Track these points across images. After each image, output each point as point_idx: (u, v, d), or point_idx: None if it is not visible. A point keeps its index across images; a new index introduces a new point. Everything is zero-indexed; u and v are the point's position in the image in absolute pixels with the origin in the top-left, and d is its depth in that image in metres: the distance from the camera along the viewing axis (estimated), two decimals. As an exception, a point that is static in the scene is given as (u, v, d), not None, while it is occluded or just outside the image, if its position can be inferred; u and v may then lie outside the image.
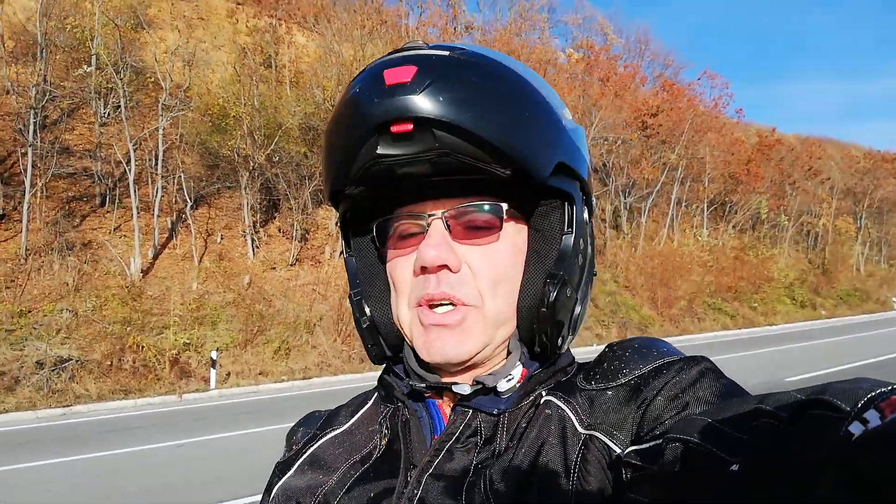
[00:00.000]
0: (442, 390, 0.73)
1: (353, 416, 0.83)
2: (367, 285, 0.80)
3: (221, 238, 18.16)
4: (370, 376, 14.65)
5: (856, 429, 0.35)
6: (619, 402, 0.65)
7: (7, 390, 11.16)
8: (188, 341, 13.81)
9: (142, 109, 18.64)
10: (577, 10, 47.88)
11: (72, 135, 17.97)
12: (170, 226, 17.26)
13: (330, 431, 0.82)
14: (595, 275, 0.79)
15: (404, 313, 0.73)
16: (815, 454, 0.37)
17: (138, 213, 15.69)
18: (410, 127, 0.61)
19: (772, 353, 16.29)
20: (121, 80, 16.86)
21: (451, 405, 0.73)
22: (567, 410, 0.68)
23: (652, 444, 0.56)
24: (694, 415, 0.55)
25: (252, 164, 18.27)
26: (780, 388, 0.47)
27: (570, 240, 0.70)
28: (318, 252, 19.69)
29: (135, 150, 16.01)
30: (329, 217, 20.84)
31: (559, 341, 0.71)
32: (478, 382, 0.70)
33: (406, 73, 0.61)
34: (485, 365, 0.72)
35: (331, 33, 22.51)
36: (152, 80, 18.45)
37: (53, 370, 11.71)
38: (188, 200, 17.20)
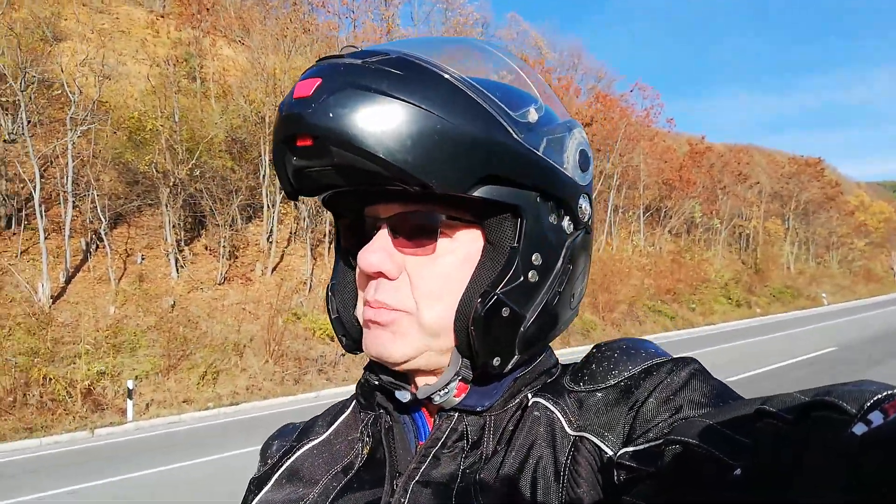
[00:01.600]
0: (417, 404, 0.72)
1: (330, 426, 0.81)
2: (339, 279, 0.77)
3: (143, 258, 17.07)
4: (303, 398, 13.86)
5: (860, 430, 0.35)
6: (609, 404, 0.64)
7: None
8: (103, 370, 12.71)
9: (54, 125, 17.42)
10: (510, 25, 48.52)
11: (-27, 154, 16.63)
12: (84, 247, 16.08)
13: (307, 442, 0.80)
14: (566, 286, 0.72)
15: (360, 311, 0.72)
16: (820, 456, 0.37)
17: (48, 235, 14.55)
18: (310, 142, 0.59)
19: (713, 353, 16.30)
20: (21, 92, 15.68)
21: (436, 410, 0.71)
22: (556, 412, 0.66)
23: (647, 445, 0.56)
24: (692, 417, 0.54)
25: (173, 179, 17.28)
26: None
27: (515, 254, 0.65)
28: (249, 269, 18.79)
29: (45, 168, 14.89)
30: (259, 233, 20.00)
31: (494, 361, 0.66)
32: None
33: (309, 87, 0.59)
34: (436, 372, 0.69)
35: (256, 45, 21.74)
36: (61, 93, 17.29)
37: (-56, 410, 10.52)
38: (102, 220, 16.07)
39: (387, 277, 0.67)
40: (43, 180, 15.28)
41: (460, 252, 0.68)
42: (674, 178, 35.89)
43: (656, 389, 0.61)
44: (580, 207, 0.72)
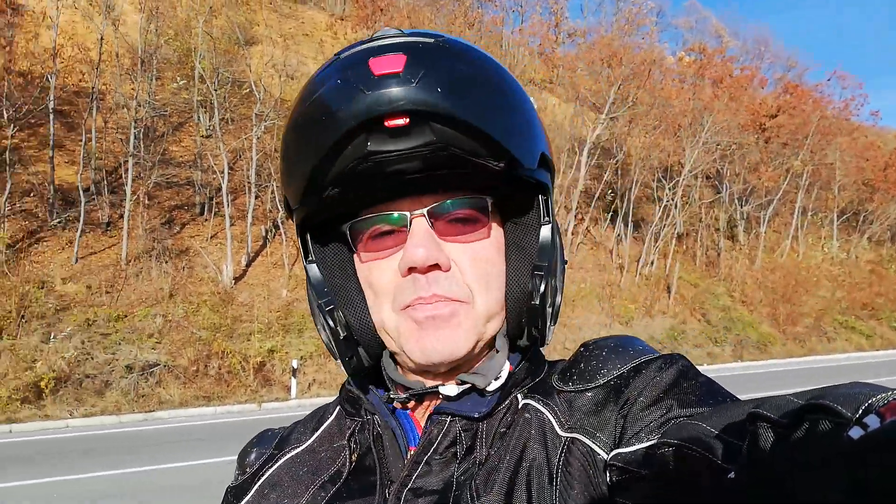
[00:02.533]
0: (422, 396, 0.70)
1: (313, 433, 0.77)
2: (339, 293, 0.73)
3: (314, 246, 18.15)
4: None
5: (856, 434, 0.35)
6: (599, 404, 0.63)
7: (97, 394, 11.33)
8: (272, 348, 13.63)
9: (245, 122, 19.04)
10: (688, 13, 45.83)
11: (178, 147, 18.63)
12: (264, 234, 17.40)
13: (289, 451, 0.77)
14: (566, 262, 0.75)
15: (389, 318, 0.68)
16: (816, 460, 0.37)
17: (234, 222, 15.88)
18: (406, 121, 0.57)
19: (919, 380, 14.09)
20: (215, 91, 17.27)
21: (425, 414, 0.69)
22: (546, 413, 0.66)
23: (639, 447, 0.55)
24: (683, 417, 0.55)
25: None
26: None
27: (547, 230, 0.68)
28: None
29: (235, 161, 16.25)
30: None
31: (547, 333, 0.69)
32: (463, 382, 0.67)
33: (396, 62, 0.56)
34: (468, 364, 0.68)
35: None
36: (249, 92, 18.85)
37: (142, 375, 11.80)
38: (280, 209, 17.26)
39: (440, 269, 0.65)
40: (232, 172, 16.72)
41: (493, 236, 0.69)
42: (877, 178, 31.87)
43: (646, 388, 0.61)
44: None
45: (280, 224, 17.14)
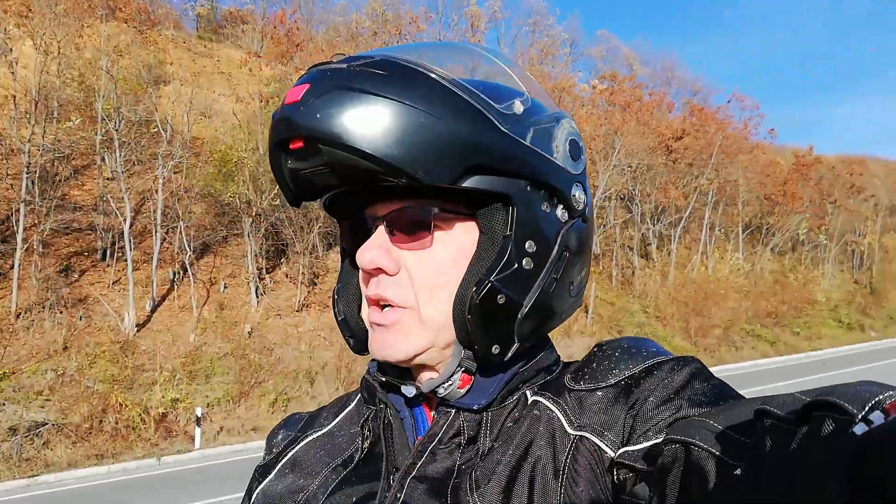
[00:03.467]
0: (422, 398, 0.73)
1: (335, 418, 0.82)
2: (344, 283, 0.79)
3: (225, 287, 17.74)
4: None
5: (861, 430, 0.35)
6: (609, 403, 0.65)
7: (-24, 459, 10.59)
8: (177, 398, 13.15)
9: (154, 162, 18.55)
10: (600, 42, 47.60)
11: (80, 190, 17.92)
12: (172, 277, 16.90)
13: (311, 434, 0.82)
14: (563, 274, 0.73)
15: (364, 311, 0.74)
16: (822, 456, 0.37)
17: (137, 266, 15.36)
18: (301, 143, 0.62)
19: (817, 381, 14.85)
20: (116, 131, 16.79)
21: (436, 406, 0.72)
22: (556, 411, 0.67)
23: (647, 444, 0.56)
24: (693, 416, 0.55)
25: (255, 209, 17.91)
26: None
27: (508, 242, 0.67)
28: (327, 297, 19.11)
29: (142, 203, 15.76)
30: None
31: (493, 349, 0.68)
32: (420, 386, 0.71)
33: (298, 92, 0.62)
34: (438, 367, 0.71)
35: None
36: (157, 131, 18.41)
37: (27, 436, 11.11)
38: (187, 251, 16.84)
39: (386, 273, 0.68)
40: (139, 214, 16.20)
41: (454, 244, 0.69)
42: (777, 192, 33.65)
43: (656, 389, 0.62)
44: (573, 196, 0.73)
45: (188, 266, 16.68)
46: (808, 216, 34.92)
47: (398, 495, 0.66)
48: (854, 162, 43.41)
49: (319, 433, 0.81)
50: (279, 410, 13.84)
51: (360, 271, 0.72)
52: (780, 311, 28.32)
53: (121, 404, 12.43)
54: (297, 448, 0.81)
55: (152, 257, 16.08)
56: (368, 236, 0.71)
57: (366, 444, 0.74)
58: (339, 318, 0.78)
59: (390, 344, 0.68)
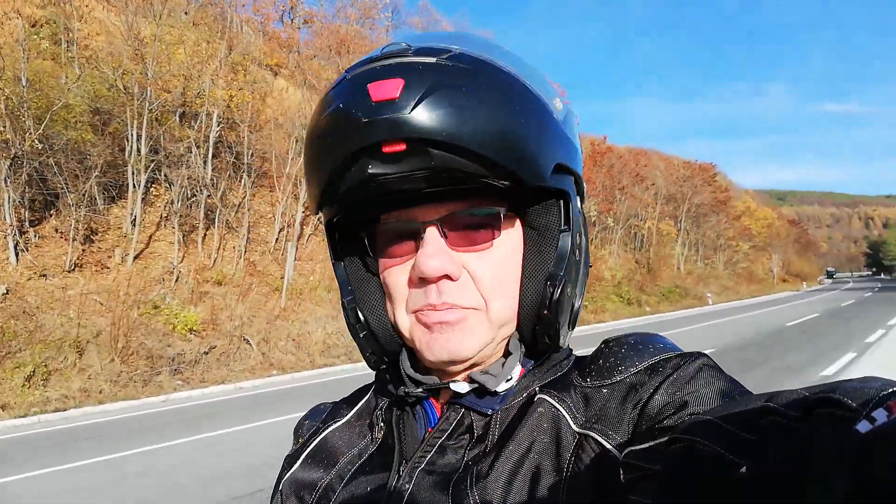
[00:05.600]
0: (439, 390, 0.73)
1: (352, 409, 0.84)
2: (361, 291, 0.77)
3: (-26, 240, 14.92)
4: (147, 403, 12.32)
5: (864, 428, 0.35)
6: (615, 401, 0.65)
7: None
8: None
9: None
10: (421, 13, 47.73)
11: None
12: None
13: (332, 424, 0.83)
14: (591, 265, 0.78)
15: (402, 319, 0.71)
16: (825, 454, 0.37)
17: None
18: (403, 147, 0.58)
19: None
20: None
21: (447, 401, 0.73)
22: (561, 409, 0.67)
23: (652, 443, 0.56)
24: (697, 414, 0.55)
25: (14, 150, 15.16)
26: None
27: (567, 238, 0.68)
28: (107, 256, 16.89)
29: None
30: (123, 217, 18.09)
31: (561, 340, 0.70)
32: (474, 381, 0.69)
33: (393, 88, 0.58)
34: (483, 363, 0.71)
35: (124, 6, 19.65)
36: None
37: None
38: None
39: (450, 279, 0.67)
40: None
41: (509, 243, 0.69)
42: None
43: (662, 385, 0.61)
44: (584, 187, 0.76)
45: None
46: (600, 200, 38.03)
47: (406, 486, 0.66)
48: (640, 154, 48.23)
49: (339, 423, 0.82)
50: (37, 385, 11.87)
51: (402, 278, 0.70)
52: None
53: None
54: (319, 438, 0.81)
55: None
56: (389, 243, 0.71)
57: (379, 435, 0.75)
58: (363, 333, 0.74)
59: (455, 341, 0.66)
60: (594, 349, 0.73)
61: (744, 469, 0.43)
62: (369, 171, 0.60)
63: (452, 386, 0.69)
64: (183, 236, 18.72)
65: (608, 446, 0.61)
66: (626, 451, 0.57)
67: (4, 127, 14.99)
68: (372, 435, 0.76)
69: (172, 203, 18.89)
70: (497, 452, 0.65)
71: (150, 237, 18.40)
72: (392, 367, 0.76)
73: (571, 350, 0.77)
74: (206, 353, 14.92)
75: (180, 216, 18.67)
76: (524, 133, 0.60)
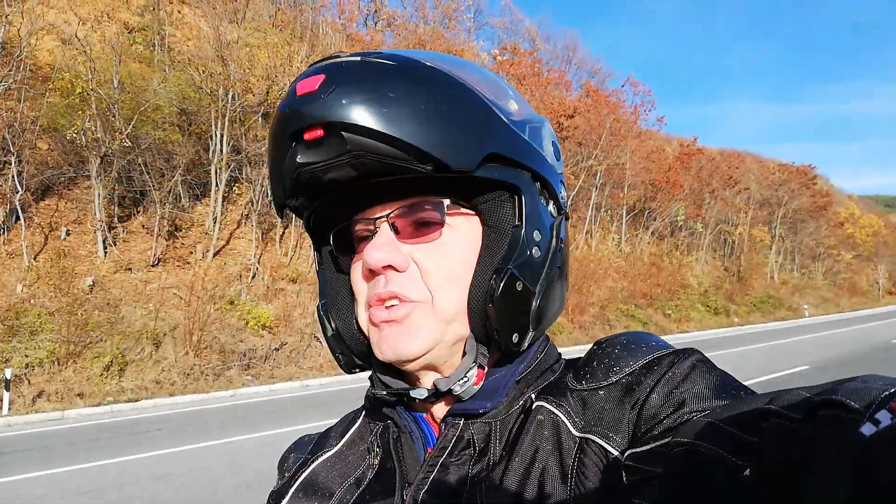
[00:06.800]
0: (437, 398, 0.71)
1: (342, 437, 0.82)
2: (333, 295, 0.79)
3: (67, 233, 15.72)
4: (216, 397, 12.51)
5: (867, 430, 0.35)
6: (613, 403, 0.64)
7: None
8: (-12, 356, 11.35)
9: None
10: (504, 13, 47.31)
11: None
12: (1, 219, 14.70)
13: (321, 455, 0.81)
14: (560, 266, 0.75)
15: (362, 317, 0.72)
16: (828, 457, 0.37)
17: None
18: (321, 133, 0.61)
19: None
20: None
21: (442, 418, 0.72)
22: (560, 415, 0.66)
23: (653, 445, 0.55)
24: (696, 412, 0.55)
25: (105, 149, 15.88)
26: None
27: (519, 232, 0.68)
28: (188, 252, 17.45)
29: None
30: (206, 214, 18.67)
31: (514, 338, 0.68)
32: (436, 386, 0.69)
33: (314, 83, 0.62)
34: (444, 367, 0.70)
35: (209, 9, 20.31)
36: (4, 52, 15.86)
37: None
38: (19, 188, 14.68)
39: (396, 269, 0.68)
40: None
41: (461, 237, 0.69)
42: (661, 179, 34.71)
43: (658, 385, 0.61)
44: (560, 194, 0.75)
45: (18, 207, 14.55)
46: (688, 204, 36.36)
47: None
48: (732, 156, 45.82)
49: (329, 453, 0.80)
50: (114, 375, 12.30)
51: (359, 276, 0.71)
52: (654, 293, 29.21)
53: None
54: (308, 470, 0.79)
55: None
56: (355, 245, 0.73)
57: (376, 461, 0.73)
58: (330, 333, 0.76)
59: (401, 340, 0.66)
60: (587, 352, 0.71)
61: (747, 471, 0.43)
62: (298, 159, 0.63)
63: (412, 392, 0.69)
64: (261, 234, 19.12)
65: (609, 449, 0.60)
66: (627, 453, 0.57)
67: (96, 126, 15.72)
68: (368, 461, 0.74)
69: (252, 202, 19.34)
70: (502, 465, 0.64)
71: (231, 234, 18.90)
72: (359, 372, 0.78)
73: (560, 354, 0.76)
74: (277, 350, 15.10)
75: (259, 215, 19.07)
76: (446, 118, 0.61)
